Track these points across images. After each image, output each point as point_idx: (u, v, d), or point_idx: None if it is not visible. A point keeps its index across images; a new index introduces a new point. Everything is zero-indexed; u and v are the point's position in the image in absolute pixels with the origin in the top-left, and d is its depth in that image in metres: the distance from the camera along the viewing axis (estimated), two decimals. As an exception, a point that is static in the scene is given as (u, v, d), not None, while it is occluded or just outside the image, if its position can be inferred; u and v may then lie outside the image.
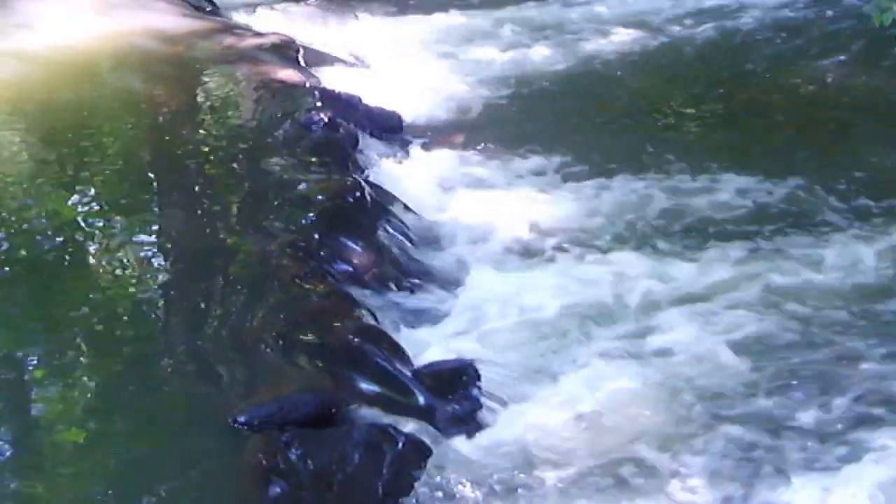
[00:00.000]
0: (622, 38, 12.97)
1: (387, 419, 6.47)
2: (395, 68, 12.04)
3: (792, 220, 8.96)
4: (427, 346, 7.38)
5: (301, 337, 7.12)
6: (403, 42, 12.85)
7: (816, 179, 9.45)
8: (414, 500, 6.02)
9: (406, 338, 7.42)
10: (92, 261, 8.06)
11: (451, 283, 8.17)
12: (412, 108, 11.05)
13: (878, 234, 8.68)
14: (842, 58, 11.98)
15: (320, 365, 6.88)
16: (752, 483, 6.24)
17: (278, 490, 5.93)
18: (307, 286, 7.63)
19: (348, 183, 8.83)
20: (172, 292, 7.71)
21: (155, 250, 8.17)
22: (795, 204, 9.19)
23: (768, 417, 6.81)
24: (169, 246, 8.25)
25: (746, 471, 6.33)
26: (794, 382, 7.11)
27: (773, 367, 7.25)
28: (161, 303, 7.60)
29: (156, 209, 8.83)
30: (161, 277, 7.85)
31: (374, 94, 10.96)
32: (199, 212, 8.71)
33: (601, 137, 10.58)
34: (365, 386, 6.75)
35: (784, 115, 11.04)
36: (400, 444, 6.24)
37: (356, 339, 7.08)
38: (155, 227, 8.53)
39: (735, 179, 9.52)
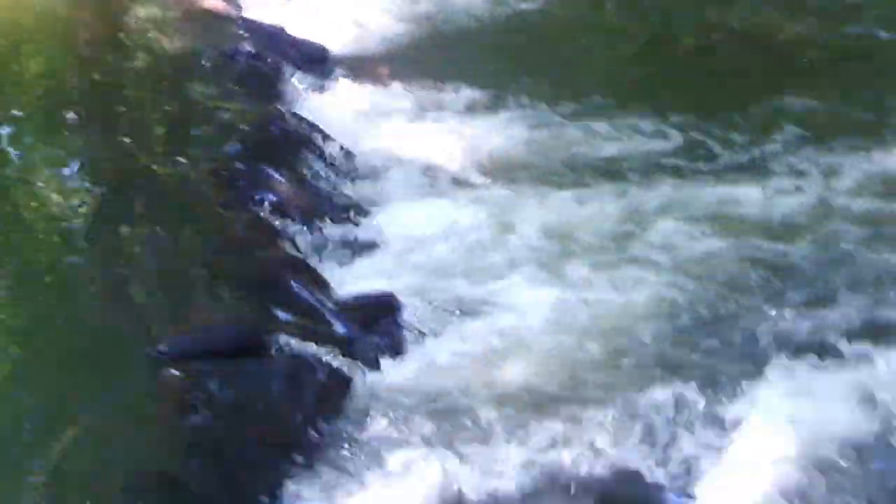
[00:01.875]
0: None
1: (309, 350, 6.46)
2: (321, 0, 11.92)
3: (711, 160, 8.99)
4: (350, 278, 7.37)
5: (223, 267, 7.10)
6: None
7: (737, 122, 9.49)
8: (335, 431, 6.03)
9: (329, 269, 7.42)
10: (11, 188, 7.98)
11: (374, 215, 8.15)
12: (337, 41, 10.96)
13: (796, 173, 8.77)
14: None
15: (242, 296, 6.87)
16: (667, 425, 6.24)
17: (198, 421, 5.94)
18: (230, 216, 7.61)
19: (272, 113, 8.79)
20: (94, 221, 7.64)
21: (77, 178, 8.09)
22: (716, 145, 9.21)
23: (689, 359, 6.82)
24: (91, 174, 8.17)
25: (664, 408, 6.31)
26: (716, 323, 7.13)
27: (696, 309, 7.27)
28: (83, 232, 7.54)
29: (78, 136, 8.73)
30: (83, 206, 7.78)
31: (299, 25, 10.87)
32: (122, 140, 8.62)
33: (525, 73, 10.52)
34: (287, 317, 6.74)
35: (710, 58, 11.05)
36: (322, 376, 6.26)
37: (279, 271, 7.08)
38: (77, 155, 8.43)
39: (657, 119, 9.50)
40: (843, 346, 6.76)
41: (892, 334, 6.88)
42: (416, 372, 6.58)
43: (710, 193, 8.49)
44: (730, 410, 6.25)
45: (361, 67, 10.56)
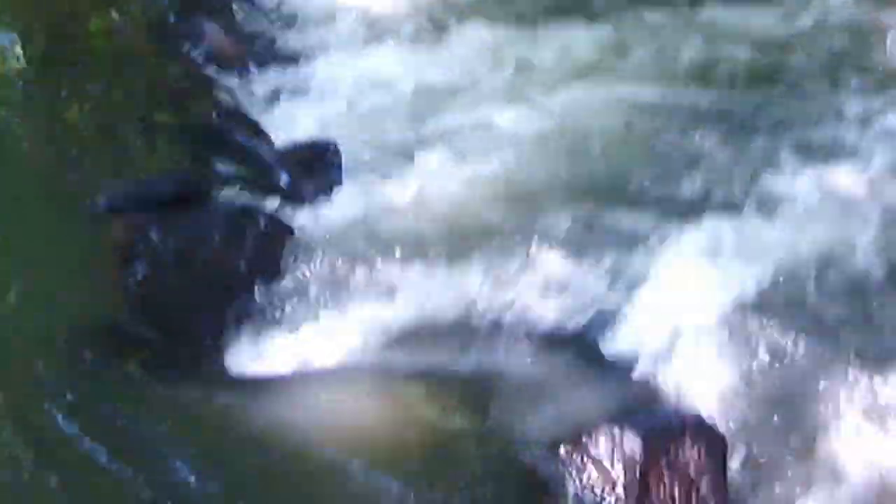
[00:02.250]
0: None
1: (249, 199, 6.47)
2: None
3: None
4: (287, 126, 7.32)
5: (160, 119, 7.07)
6: None
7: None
8: (278, 277, 6.05)
9: (266, 118, 7.37)
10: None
11: (310, 62, 8.07)
12: None
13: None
14: None
15: (180, 147, 6.86)
16: (613, 252, 6.29)
17: (140, 272, 5.94)
18: (164, 68, 7.56)
19: (202, -39, 8.67)
20: (27, 75, 7.57)
21: (6, 34, 7.97)
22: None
23: (642, 189, 6.84)
24: (21, 30, 8.06)
25: (605, 240, 6.37)
26: (671, 145, 7.19)
27: (649, 132, 7.31)
28: (16, 87, 7.48)
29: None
30: (14, 61, 7.69)
31: None
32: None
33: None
34: (226, 167, 6.74)
35: None
36: (262, 224, 6.26)
37: (216, 120, 7.06)
38: (5, 11, 8.32)
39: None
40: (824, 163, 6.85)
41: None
42: (355, 217, 6.56)
43: (688, 20, 8.47)
44: (688, 231, 6.32)
45: None
